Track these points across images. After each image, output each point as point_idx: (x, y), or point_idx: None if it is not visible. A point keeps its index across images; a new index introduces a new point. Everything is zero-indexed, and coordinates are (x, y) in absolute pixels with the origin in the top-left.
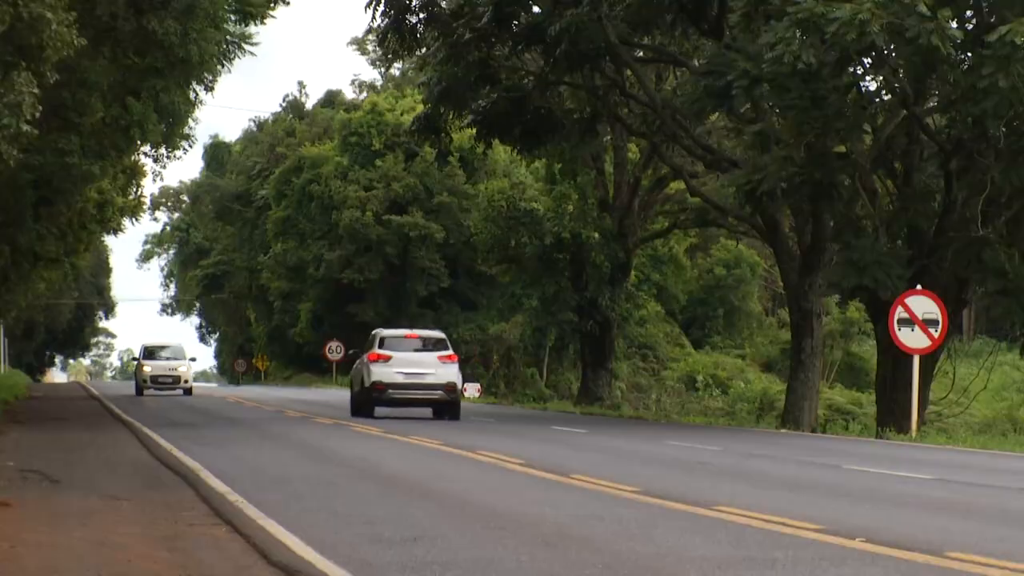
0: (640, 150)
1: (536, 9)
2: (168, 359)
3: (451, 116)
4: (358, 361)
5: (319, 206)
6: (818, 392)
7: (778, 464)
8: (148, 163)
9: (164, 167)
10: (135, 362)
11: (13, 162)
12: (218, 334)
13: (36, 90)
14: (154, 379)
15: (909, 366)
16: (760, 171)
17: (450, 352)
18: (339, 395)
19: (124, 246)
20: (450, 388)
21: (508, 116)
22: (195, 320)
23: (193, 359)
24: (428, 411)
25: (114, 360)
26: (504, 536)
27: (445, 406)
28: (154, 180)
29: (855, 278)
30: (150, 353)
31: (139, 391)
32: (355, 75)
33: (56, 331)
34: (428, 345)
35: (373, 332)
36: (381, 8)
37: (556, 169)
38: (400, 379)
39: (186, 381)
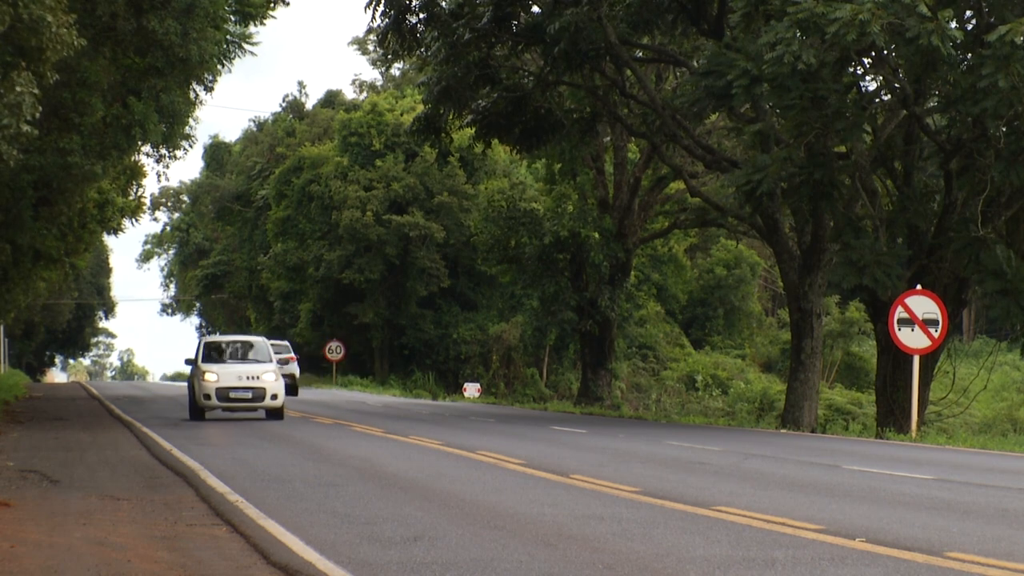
0: (640, 150)
1: (536, 9)
2: (246, 361)
3: (451, 116)
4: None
5: (319, 206)
6: (818, 392)
7: (778, 464)
8: (150, 163)
9: (168, 167)
10: (189, 367)
11: (13, 162)
12: (218, 334)
13: (36, 90)
14: (223, 394)
15: (909, 366)
16: (760, 171)
17: (290, 352)
18: (339, 395)
19: (124, 246)
20: (292, 376)
21: (508, 116)
22: (195, 320)
23: (287, 361)
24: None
25: (114, 360)
26: (504, 536)
27: (287, 389)
28: (157, 180)
29: (855, 278)
30: (215, 352)
31: (197, 412)
32: (355, 75)
33: (56, 331)
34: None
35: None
36: (381, 8)
37: (556, 169)
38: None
39: (275, 396)
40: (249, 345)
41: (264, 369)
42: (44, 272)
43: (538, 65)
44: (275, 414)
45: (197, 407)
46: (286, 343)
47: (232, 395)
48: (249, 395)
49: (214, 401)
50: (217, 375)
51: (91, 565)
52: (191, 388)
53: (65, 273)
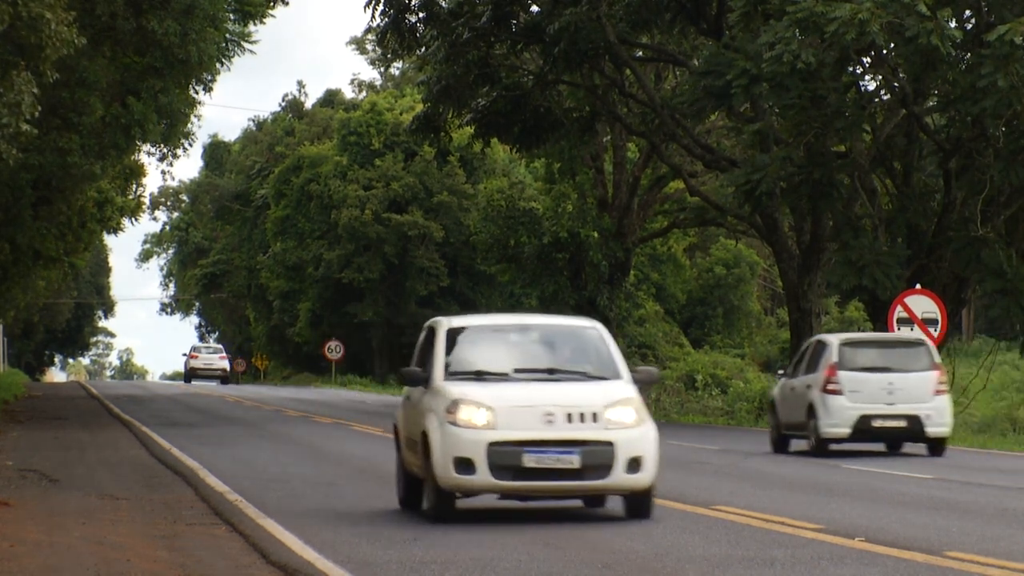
0: (639, 149)
1: (535, 8)
2: (554, 376)
3: (450, 115)
4: None
5: (318, 205)
6: None
7: (777, 464)
8: (152, 162)
9: (171, 164)
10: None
11: (13, 161)
12: (217, 334)
13: (36, 89)
14: (504, 457)
15: None
16: (759, 170)
17: (223, 353)
18: (338, 395)
19: (123, 245)
20: (224, 370)
21: (507, 115)
22: (194, 320)
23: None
24: None
25: (113, 359)
26: (504, 536)
27: (222, 380)
28: (162, 177)
29: (854, 278)
30: (475, 356)
31: (436, 498)
32: (355, 75)
33: (55, 331)
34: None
35: None
36: (380, 7)
37: (555, 168)
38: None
39: (635, 464)
40: (564, 337)
41: (608, 396)
42: (44, 271)
43: (537, 64)
44: (637, 504)
45: (434, 487)
46: (220, 347)
47: (531, 461)
48: (574, 459)
49: (483, 476)
50: (492, 410)
51: (90, 564)
52: (406, 443)
53: (64, 272)
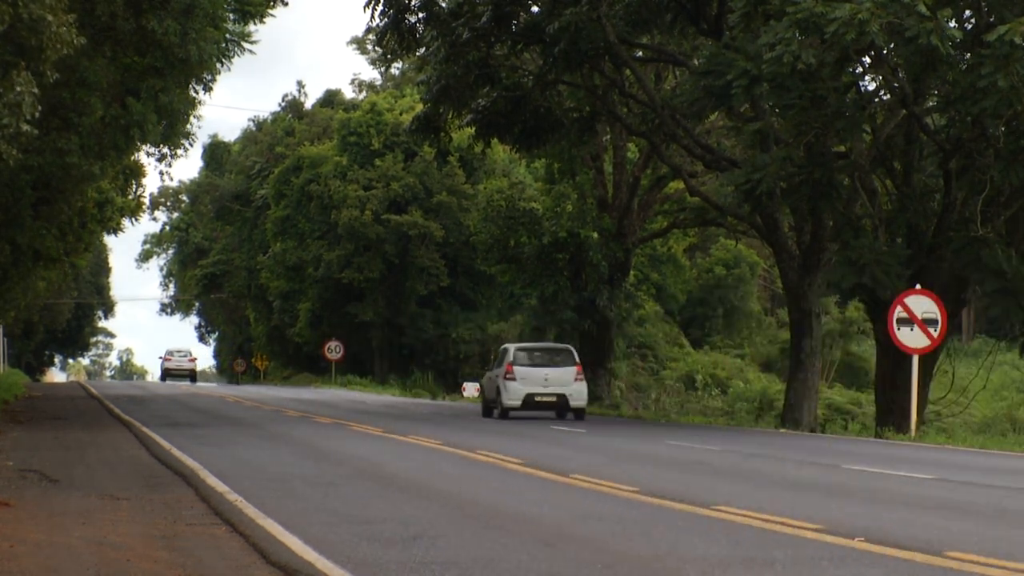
0: (639, 149)
1: (535, 8)
2: None
3: (450, 115)
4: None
5: (318, 206)
6: (817, 392)
7: (777, 464)
8: (151, 162)
9: (171, 165)
10: None
11: (13, 162)
12: (217, 334)
13: (36, 90)
14: None
15: (908, 366)
16: (759, 170)
17: (191, 356)
18: (338, 395)
19: (123, 246)
20: (191, 370)
21: (507, 115)
22: (194, 320)
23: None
24: None
25: (113, 359)
26: (504, 536)
27: (191, 378)
28: (161, 178)
29: (854, 278)
30: None
31: None
32: (355, 75)
33: (55, 331)
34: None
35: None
36: (380, 8)
37: (555, 168)
38: (174, 366)
39: None
40: None
41: None
42: (44, 272)
43: (537, 65)
44: None
45: None
46: (189, 351)
47: None
48: None
49: None
50: None
51: (90, 564)
52: None
53: (65, 273)
